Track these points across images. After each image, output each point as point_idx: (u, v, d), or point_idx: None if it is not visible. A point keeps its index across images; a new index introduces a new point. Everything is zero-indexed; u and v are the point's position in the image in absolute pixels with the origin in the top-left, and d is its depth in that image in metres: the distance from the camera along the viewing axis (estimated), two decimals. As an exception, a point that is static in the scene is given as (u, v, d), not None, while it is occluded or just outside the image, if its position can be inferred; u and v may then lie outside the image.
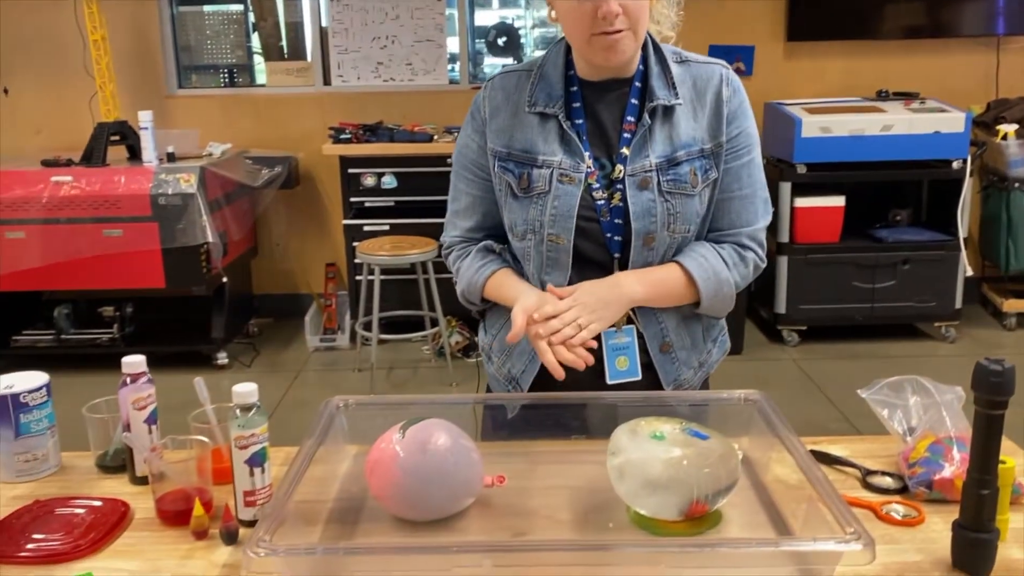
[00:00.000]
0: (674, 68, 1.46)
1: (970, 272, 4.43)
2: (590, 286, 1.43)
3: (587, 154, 1.44)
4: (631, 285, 1.44)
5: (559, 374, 1.36)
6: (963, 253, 4.35)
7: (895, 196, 4.64)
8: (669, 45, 1.50)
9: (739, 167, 1.49)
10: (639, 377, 1.50)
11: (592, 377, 1.47)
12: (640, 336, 1.50)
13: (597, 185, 1.44)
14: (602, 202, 1.44)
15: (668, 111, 1.44)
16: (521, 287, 1.50)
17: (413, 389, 4.16)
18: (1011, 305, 4.65)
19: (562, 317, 1.38)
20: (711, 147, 1.46)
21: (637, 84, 1.45)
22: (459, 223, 1.59)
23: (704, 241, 1.51)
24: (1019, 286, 4.73)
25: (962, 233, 4.34)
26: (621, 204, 1.43)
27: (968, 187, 4.30)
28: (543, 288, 1.48)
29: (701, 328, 1.57)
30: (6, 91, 4.81)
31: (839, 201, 4.36)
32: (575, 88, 1.47)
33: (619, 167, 1.44)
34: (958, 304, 4.43)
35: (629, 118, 1.45)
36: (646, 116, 1.43)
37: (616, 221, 1.44)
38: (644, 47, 1.45)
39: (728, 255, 1.49)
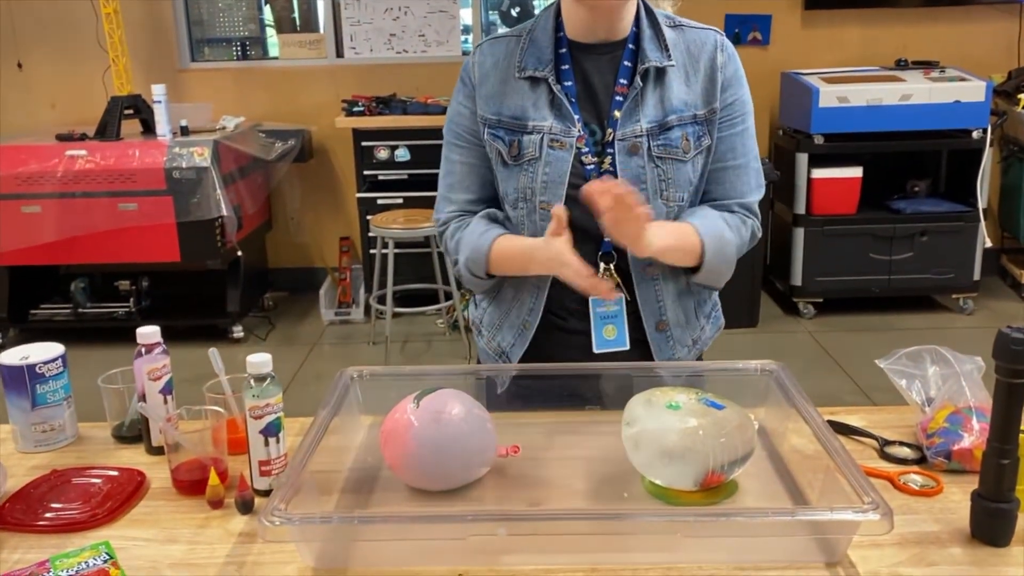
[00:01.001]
0: (667, 32, 1.44)
1: (989, 244, 4.38)
2: None
3: (576, 118, 1.41)
4: (656, 231, 1.34)
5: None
6: (982, 224, 4.30)
7: (913, 167, 4.59)
8: (661, 10, 1.48)
9: (733, 136, 1.47)
10: (627, 347, 1.48)
11: (580, 350, 1.47)
12: (636, 313, 1.49)
13: (586, 150, 1.42)
14: (591, 167, 1.42)
15: (660, 74, 1.42)
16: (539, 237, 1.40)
17: (427, 362, 4.16)
18: (1030, 277, 4.60)
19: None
20: (704, 113, 1.43)
21: (631, 46, 1.43)
22: (455, 197, 1.54)
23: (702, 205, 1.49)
24: (1039, 258, 4.68)
25: (981, 204, 4.28)
26: (611, 169, 1.41)
27: (988, 157, 4.24)
28: None
29: (693, 303, 1.54)
30: (20, 65, 4.81)
31: (856, 172, 4.31)
32: (564, 50, 1.44)
33: (610, 131, 1.41)
34: (976, 276, 4.39)
35: (622, 81, 1.42)
36: (638, 79, 1.40)
37: None
38: (636, 10, 1.43)
39: (727, 218, 1.47)
